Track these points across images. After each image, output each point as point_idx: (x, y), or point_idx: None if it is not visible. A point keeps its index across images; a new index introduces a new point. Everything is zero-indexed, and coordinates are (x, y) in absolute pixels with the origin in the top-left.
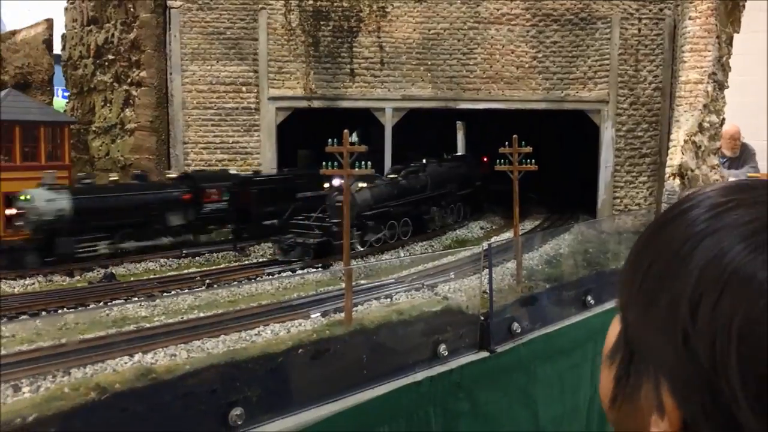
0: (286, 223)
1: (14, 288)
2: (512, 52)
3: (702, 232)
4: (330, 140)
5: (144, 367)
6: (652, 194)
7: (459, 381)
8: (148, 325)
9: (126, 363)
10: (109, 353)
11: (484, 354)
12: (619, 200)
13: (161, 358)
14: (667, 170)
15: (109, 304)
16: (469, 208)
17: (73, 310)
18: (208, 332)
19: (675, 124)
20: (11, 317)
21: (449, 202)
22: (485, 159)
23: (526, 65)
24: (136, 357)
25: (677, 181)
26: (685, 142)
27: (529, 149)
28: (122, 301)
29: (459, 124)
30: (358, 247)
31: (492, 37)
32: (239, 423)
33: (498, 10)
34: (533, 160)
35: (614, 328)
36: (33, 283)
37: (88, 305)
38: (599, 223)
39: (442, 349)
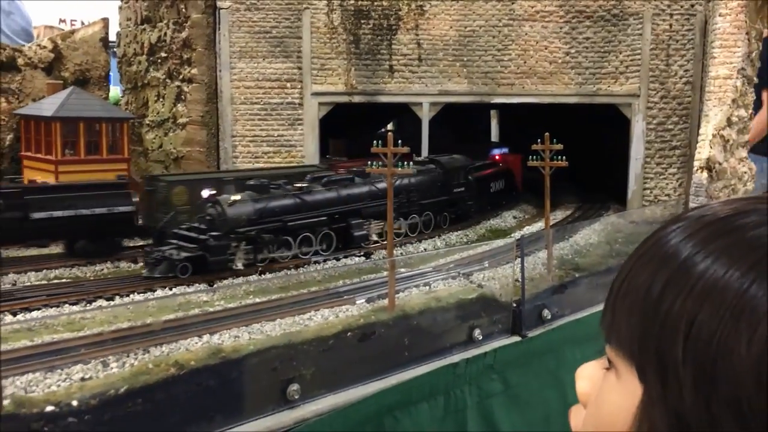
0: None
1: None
2: (545, 48)
3: (746, 292)
4: (375, 142)
5: (214, 347)
6: (682, 185)
7: (492, 363)
8: (211, 309)
9: (197, 343)
10: (182, 334)
11: (516, 338)
12: (649, 191)
13: (226, 339)
14: (695, 163)
15: (173, 290)
16: (448, 218)
17: (144, 294)
18: (266, 316)
19: (704, 118)
20: (89, 301)
21: (409, 212)
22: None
23: (559, 61)
24: (205, 338)
25: (705, 174)
26: (714, 136)
27: (560, 146)
28: (184, 287)
29: (493, 112)
30: (239, 265)
31: (526, 34)
32: (296, 397)
33: (532, 7)
34: (563, 157)
35: (620, 390)
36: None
37: (155, 290)
38: (629, 214)
39: (477, 333)
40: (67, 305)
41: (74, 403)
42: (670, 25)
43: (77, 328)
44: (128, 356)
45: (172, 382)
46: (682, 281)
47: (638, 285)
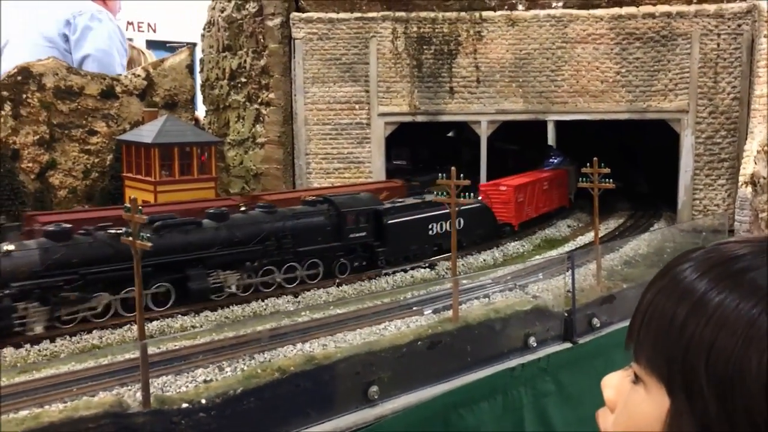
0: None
1: None
2: (597, 69)
3: (757, 319)
4: (440, 174)
5: (307, 354)
6: (730, 196)
7: (546, 367)
8: (301, 320)
9: (292, 350)
10: (281, 342)
11: (568, 345)
12: (698, 201)
13: (316, 347)
14: (740, 178)
15: (264, 300)
16: (348, 266)
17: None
18: (348, 326)
19: (749, 135)
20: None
21: (283, 260)
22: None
23: (611, 80)
24: (299, 346)
25: (749, 188)
26: (758, 152)
27: (607, 170)
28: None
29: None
30: (37, 329)
31: (578, 55)
32: (376, 398)
33: (584, 30)
34: (611, 180)
35: (649, 401)
36: None
37: (250, 302)
38: (678, 224)
39: (532, 340)
40: (179, 316)
41: (203, 401)
42: (718, 44)
43: (191, 337)
44: (238, 362)
45: (277, 384)
46: (701, 313)
47: (662, 315)
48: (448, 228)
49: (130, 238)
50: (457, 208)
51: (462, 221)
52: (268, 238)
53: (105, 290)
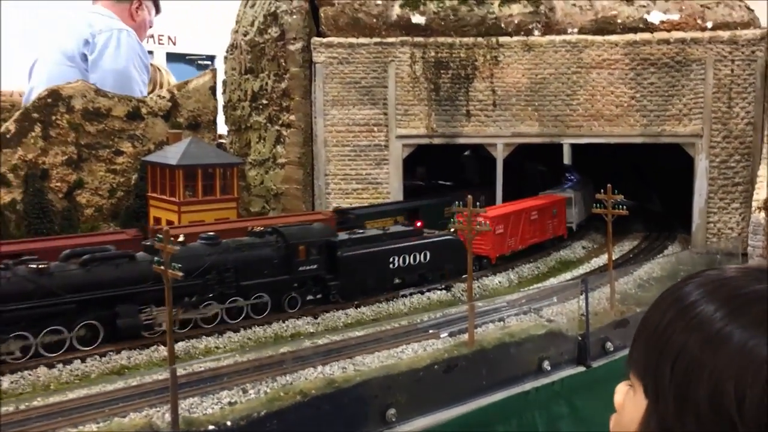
0: None
1: None
2: (612, 93)
3: (725, 329)
4: (456, 203)
5: (328, 377)
6: (744, 219)
7: (560, 390)
8: (321, 342)
9: (312, 373)
10: (303, 365)
11: (582, 368)
12: (712, 224)
13: (336, 370)
14: (753, 204)
15: (285, 321)
16: (299, 300)
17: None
18: (367, 350)
19: (763, 160)
20: (219, 333)
21: (226, 294)
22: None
23: (625, 104)
24: (319, 368)
25: (762, 214)
26: None
27: (620, 197)
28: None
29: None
30: None
31: (593, 80)
32: (393, 420)
33: (599, 56)
34: (624, 207)
35: (634, 403)
36: None
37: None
38: (692, 247)
39: (546, 364)
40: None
41: (228, 423)
42: (732, 70)
43: (216, 358)
44: (261, 384)
45: (299, 407)
46: (681, 319)
47: (651, 322)
48: (412, 261)
49: (162, 267)
50: (423, 241)
51: (429, 254)
52: (209, 271)
53: (25, 330)
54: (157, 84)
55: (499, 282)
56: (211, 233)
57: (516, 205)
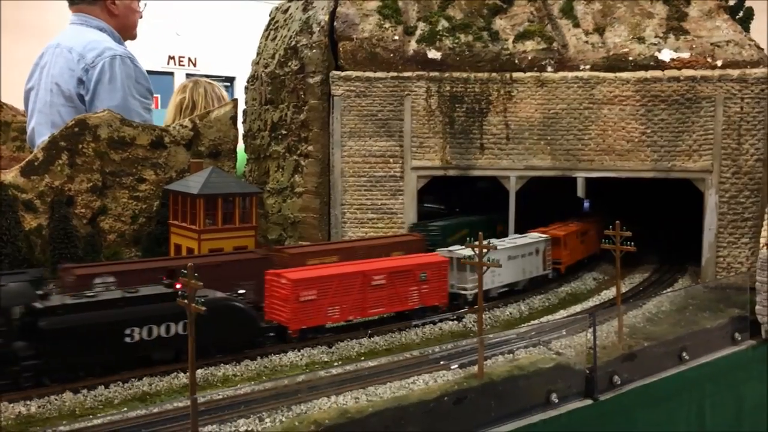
0: None
1: None
2: (623, 129)
3: None
4: (468, 238)
5: (341, 408)
6: (754, 254)
7: (567, 423)
8: (335, 372)
9: (326, 403)
10: (317, 394)
11: (589, 401)
12: (722, 259)
13: (349, 400)
14: (762, 240)
15: (300, 350)
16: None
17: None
18: (379, 380)
19: None
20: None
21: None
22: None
23: (636, 140)
24: (332, 398)
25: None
26: None
27: (629, 233)
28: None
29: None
30: None
31: (605, 116)
32: None
33: (611, 92)
34: (632, 243)
35: None
36: None
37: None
38: (702, 282)
39: (554, 397)
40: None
41: None
42: (741, 108)
43: (232, 384)
44: (277, 413)
45: None
46: None
47: None
48: (163, 333)
49: (186, 301)
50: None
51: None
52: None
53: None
54: (218, 99)
55: (510, 313)
56: None
57: (344, 267)
